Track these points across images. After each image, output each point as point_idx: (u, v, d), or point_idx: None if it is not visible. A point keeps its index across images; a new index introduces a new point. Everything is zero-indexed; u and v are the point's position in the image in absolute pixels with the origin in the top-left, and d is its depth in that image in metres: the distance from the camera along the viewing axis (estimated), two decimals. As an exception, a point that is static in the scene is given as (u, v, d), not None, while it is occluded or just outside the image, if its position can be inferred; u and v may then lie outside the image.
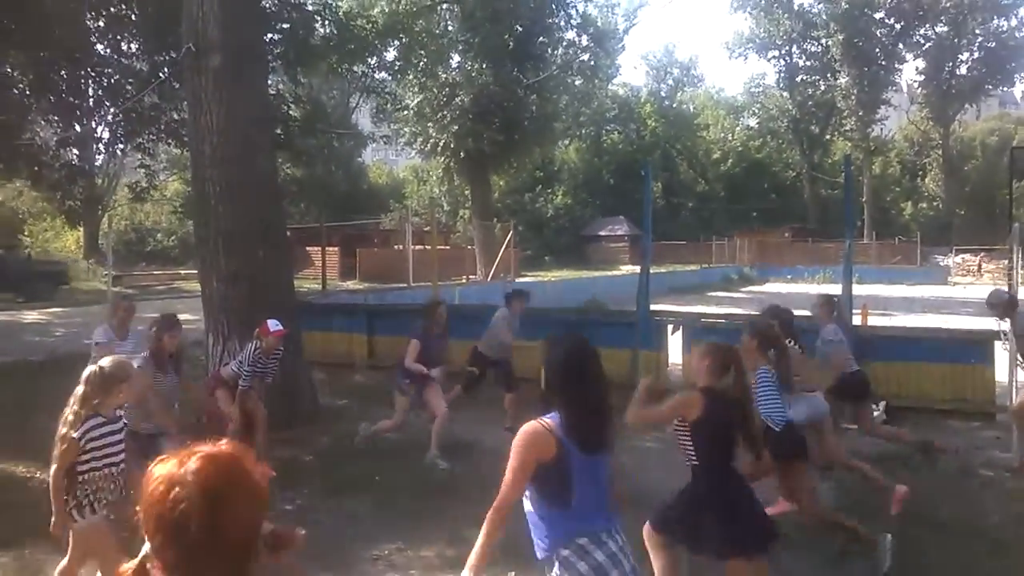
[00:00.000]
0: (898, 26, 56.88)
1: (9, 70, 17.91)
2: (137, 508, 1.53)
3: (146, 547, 1.51)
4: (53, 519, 4.32)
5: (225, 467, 1.52)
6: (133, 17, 17.49)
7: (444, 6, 31.74)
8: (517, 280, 29.11)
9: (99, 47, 18.74)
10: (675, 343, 11.18)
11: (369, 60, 22.52)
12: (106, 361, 4.46)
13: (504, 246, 28.58)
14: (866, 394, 7.77)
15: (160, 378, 6.61)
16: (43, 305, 24.63)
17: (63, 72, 18.12)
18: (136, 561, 1.54)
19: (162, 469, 1.51)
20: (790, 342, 6.50)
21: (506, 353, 9.29)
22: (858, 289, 12.07)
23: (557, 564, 3.04)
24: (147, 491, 1.50)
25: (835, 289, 10.45)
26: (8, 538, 5.83)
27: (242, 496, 1.52)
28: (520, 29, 31.92)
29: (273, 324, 7.70)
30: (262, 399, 7.95)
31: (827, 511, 5.84)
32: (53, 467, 4.29)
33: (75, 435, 4.24)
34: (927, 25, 57.18)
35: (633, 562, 3.15)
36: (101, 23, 18.17)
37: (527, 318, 10.77)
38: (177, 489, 1.47)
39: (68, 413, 4.32)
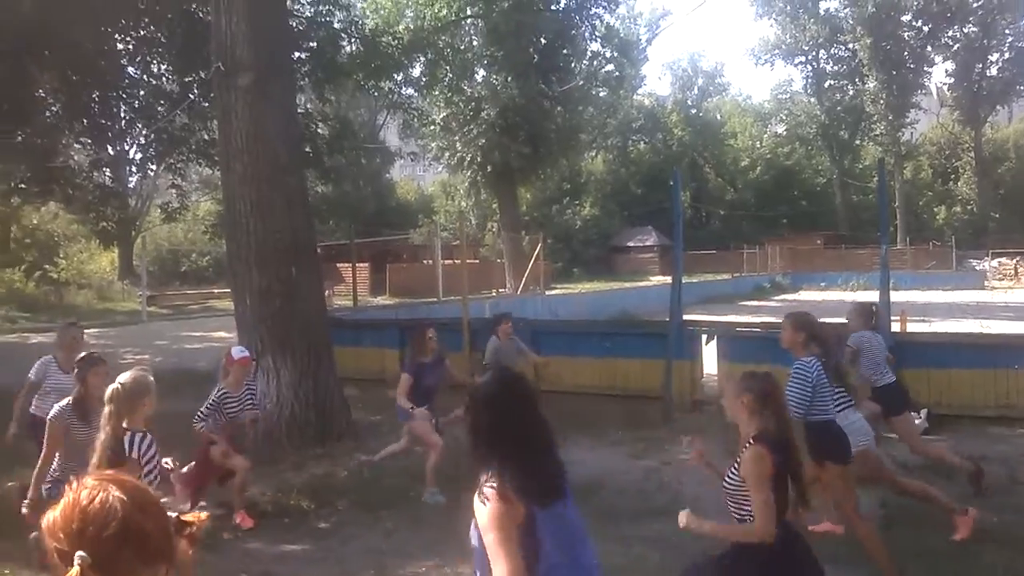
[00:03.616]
0: (926, 28, 56.32)
1: (42, 94, 18.22)
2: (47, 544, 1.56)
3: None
4: None
5: (114, 475, 1.63)
6: (162, 38, 17.75)
7: (468, 21, 31.86)
8: (547, 293, 29.05)
9: (129, 69, 19.05)
10: (709, 353, 11.05)
11: (395, 76, 22.67)
12: (125, 376, 4.44)
13: (533, 258, 28.54)
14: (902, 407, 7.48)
15: (82, 428, 5.21)
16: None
17: (94, 94, 18.39)
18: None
19: (60, 503, 1.58)
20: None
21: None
22: (894, 295, 11.87)
23: None
24: (60, 510, 1.55)
25: (871, 296, 10.25)
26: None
27: (149, 495, 1.62)
28: (544, 42, 32.04)
29: (237, 351, 7.11)
30: (243, 443, 7.14)
31: (871, 527, 5.46)
32: None
33: (135, 456, 4.24)
34: (956, 26, 56.60)
35: None
36: (131, 45, 18.45)
37: (560, 332, 10.66)
38: (86, 491, 1.54)
39: (102, 434, 4.31)
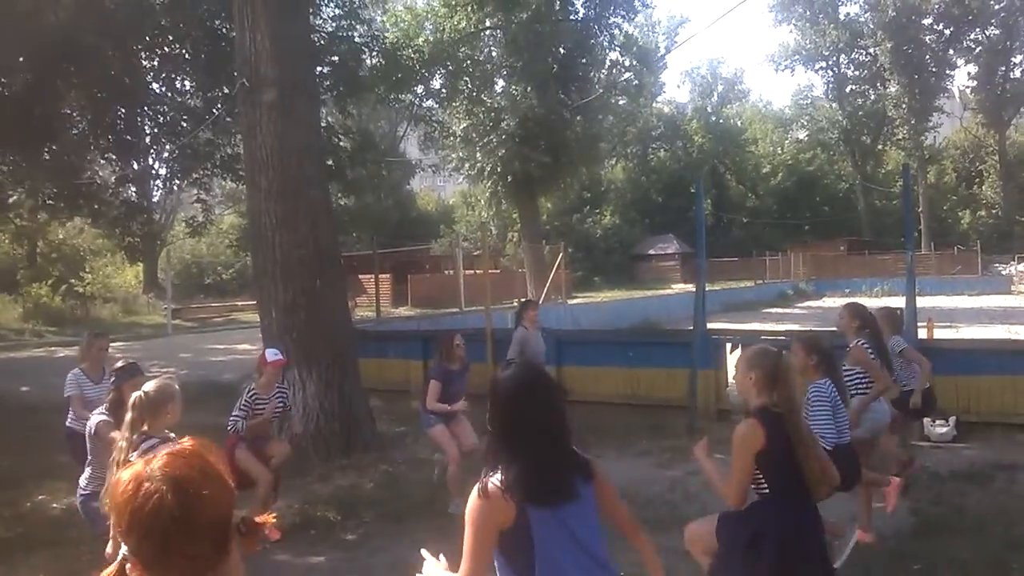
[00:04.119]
0: (948, 32, 55.90)
1: (68, 111, 18.49)
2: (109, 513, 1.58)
3: (123, 549, 1.55)
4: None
5: (190, 459, 1.57)
6: (187, 55, 17.97)
7: (487, 32, 31.98)
8: (569, 302, 29.02)
9: (154, 86, 19.30)
10: (733, 362, 10.98)
11: (416, 89, 22.79)
12: (150, 385, 4.49)
13: (555, 268, 28.54)
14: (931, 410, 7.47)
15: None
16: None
17: (120, 111, 18.66)
18: (115, 565, 1.57)
19: (129, 471, 1.55)
20: (867, 346, 6.30)
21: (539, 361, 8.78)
22: (920, 301, 11.77)
23: None
24: (117, 493, 1.53)
25: (898, 302, 10.15)
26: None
27: (210, 484, 1.55)
28: (563, 52, 32.06)
29: (271, 353, 7.12)
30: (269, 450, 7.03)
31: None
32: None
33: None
34: (977, 29, 56.13)
35: None
36: (156, 62, 18.70)
37: (584, 342, 10.61)
38: (147, 484, 1.50)
39: (120, 440, 4.35)
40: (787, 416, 3.68)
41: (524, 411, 2.62)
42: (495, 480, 2.53)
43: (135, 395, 4.45)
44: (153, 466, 1.54)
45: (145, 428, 4.39)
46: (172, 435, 4.51)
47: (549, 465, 2.57)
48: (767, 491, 3.73)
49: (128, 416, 4.39)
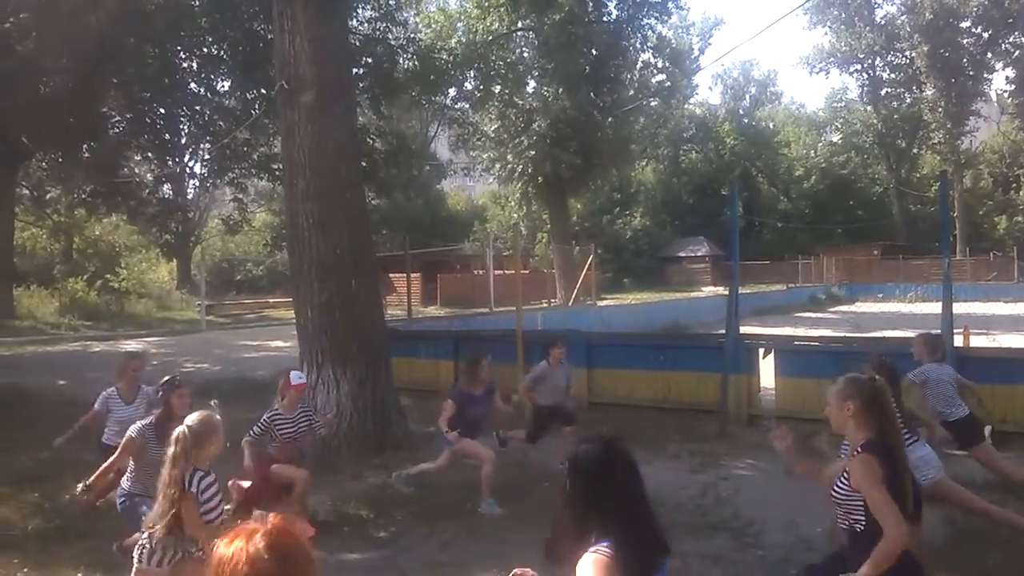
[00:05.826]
0: (986, 35, 55.07)
1: (108, 110, 18.79)
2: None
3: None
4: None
5: (288, 537, 1.88)
6: (225, 56, 18.20)
7: (520, 33, 32.04)
8: (598, 304, 28.98)
9: (193, 86, 19.57)
10: (766, 367, 10.94)
11: (448, 91, 22.91)
12: (192, 418, 4.53)
13: (585, 269, 28.51)
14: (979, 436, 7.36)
15: (158, 449, 5.15)
16: (140, 336, 25.56)
17: (159, 110, 18.95)
18: None
19: (233, 545, 1.82)
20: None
21: (557, 397, 8.80)
22: (955, 307, 11.62)
23: None
24: (222, 561, 1.80)
25: (933, 308, 10.05)
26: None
27: (305, 559, 1.88)
28: (595, 53, 32.06)
29: (296, 376, 7.17)
30: (304, 461, 7.26)
31: None
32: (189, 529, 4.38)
33: (192, 490, 4.34)
34: (1016, 32, 55.22)
35: None
36: (194, 63, 18.95)
37: (615, 344, 10.55)
38: (251, 549, 1.79)
39: (165, 475, 4.43)
40: (895, 448, 3.60)
41: (609, 484, 2.65)
42: (606, 550, 2.54)
43: (178, 430, 4.45)
44: (256, 541, 1.80)
45: (189, 460, 4.43)
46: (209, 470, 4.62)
47: (644, 538, 2.64)
48: (862, 528, 3.55)
49: (171, 450, 4.41)
